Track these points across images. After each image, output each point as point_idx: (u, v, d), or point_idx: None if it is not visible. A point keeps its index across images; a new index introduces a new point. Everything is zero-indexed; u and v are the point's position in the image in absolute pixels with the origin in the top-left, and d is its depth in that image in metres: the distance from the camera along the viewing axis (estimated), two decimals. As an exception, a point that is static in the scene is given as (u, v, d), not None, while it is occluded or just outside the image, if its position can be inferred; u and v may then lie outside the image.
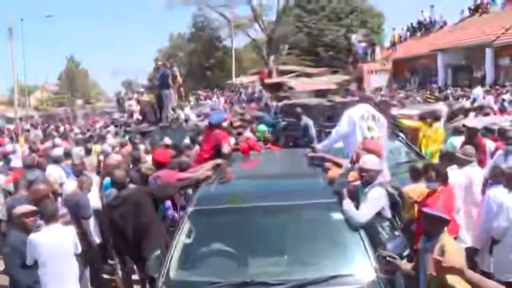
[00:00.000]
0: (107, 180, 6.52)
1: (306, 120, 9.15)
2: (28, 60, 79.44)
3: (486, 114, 10.69)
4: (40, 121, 25.75)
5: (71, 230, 4.80)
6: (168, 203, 5.75)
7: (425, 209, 3.57)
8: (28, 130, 18.41)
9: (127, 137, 11.15)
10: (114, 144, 9.82)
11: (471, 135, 7.07)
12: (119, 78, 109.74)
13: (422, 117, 8.57)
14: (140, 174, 6.25)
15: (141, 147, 9.28)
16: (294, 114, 9.58)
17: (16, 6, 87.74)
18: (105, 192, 6.23)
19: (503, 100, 14.09)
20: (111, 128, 15.10)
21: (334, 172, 4.60)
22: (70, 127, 19.45)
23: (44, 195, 5.48)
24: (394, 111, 11.94)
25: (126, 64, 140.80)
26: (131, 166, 7.37)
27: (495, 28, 23.21)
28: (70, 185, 6.58)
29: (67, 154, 8.78)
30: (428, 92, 19.93)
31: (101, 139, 11.30)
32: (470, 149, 5.89)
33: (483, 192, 5.47)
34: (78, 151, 9.27)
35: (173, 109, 13.36)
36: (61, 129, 19.18)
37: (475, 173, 5.58)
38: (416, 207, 5.43)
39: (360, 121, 5.82)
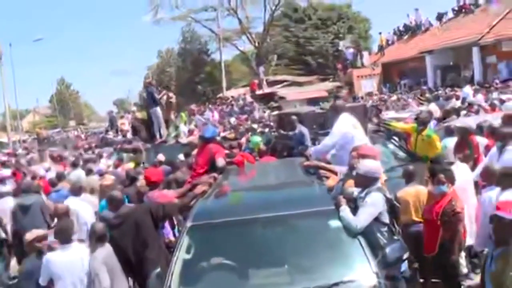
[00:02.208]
0: (102, 201, 6.52)
1: (300, 128, 9.15)
2: (19, 84, 79.31)
3: (472, 111, 10.79)
4: (33, 145, 25.59)
5: (86, 249, 4.82)
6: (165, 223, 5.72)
7: (500, 213, 3.19)
8: (16, 155, 18.13)
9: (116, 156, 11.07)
10: (109, 164, 9.78)
11: (463, 135, 7.12)
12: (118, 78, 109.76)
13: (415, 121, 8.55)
14: (136, 192, 6.22)
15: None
16: (288, 123, 9.55)
17: (3, 31, 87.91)
18: (101, 212, 6.19)
19: (493, 99, 14.21)
20: (104, 149, 14.95)
21: (333, 180, 4.61)
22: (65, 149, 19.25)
23: (64, 213, 5.66)
24: (385, 115, 12.07)
25: (118, 83, 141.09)
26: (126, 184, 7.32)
27: (480, 27, 23.51)
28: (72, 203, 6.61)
29: (60, 177, 8.74)
30: (420, 93, 20.07)
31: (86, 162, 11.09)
32: (449, 152, 5.93)
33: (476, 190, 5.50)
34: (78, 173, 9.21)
35: (177, 127, 13.31)
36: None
37: (461, 172, 5.59)
38: (413, 210, 5.47)
39: (353, 129, 5.98)
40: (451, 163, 5.62)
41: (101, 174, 8.64)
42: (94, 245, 4.74)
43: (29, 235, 4.95)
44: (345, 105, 6.70)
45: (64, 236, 4.72)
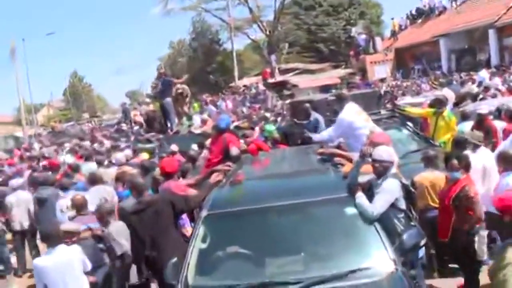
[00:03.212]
0: (126, 190, 6.58)
1: (316, 115, 9.03)
2: (32, 78, 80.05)
3: (489, 95, 10.60)
4: (48, 138, 25.89)
5: (76, 248, 4.74)
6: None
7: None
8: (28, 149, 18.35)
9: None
10: (127, 155, 9.81)
11: (480, 120, 7.01)
12: (122, 75, 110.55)
13: (431, 105, 8.44)
14: (153, 180, 6.24)
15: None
16: (302, 111, 9.40)
17: (16, 26, 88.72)
18: (123, 201, 6.25)
19: (511, 81, 13.96)
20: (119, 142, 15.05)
21: (348, 167, 4.57)
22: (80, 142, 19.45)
23: (81, 204, 5.78)
24: (401, 101, 11.92)
25: (130, 76, 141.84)
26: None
27: (496, 9, 23.01)
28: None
29: (75, 169, 8.82)
30: (433, 78, 19.80)
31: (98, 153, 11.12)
32: (478, 133, 5.85)
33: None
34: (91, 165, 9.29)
35: (190, 117, 13.33)
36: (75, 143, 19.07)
37: (488, 156, 5.51)
38: (429, 196, 5.41)
39: (357, 116, 6.00)
40: (477, 146, 5.53)
41: (120, 165, 8.69)
42: (106, 222, 5.27)
43: (65, 226, 4.99)
44: (349, 94, 6.74)
45: (51, 240, 4.65)
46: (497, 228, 3.03)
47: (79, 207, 5.81)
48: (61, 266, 4.48)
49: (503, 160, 5.14)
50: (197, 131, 11.96)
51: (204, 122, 13.18)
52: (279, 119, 13.70)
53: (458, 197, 4.72)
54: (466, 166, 4.89)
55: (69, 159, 11.65)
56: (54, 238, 4.64)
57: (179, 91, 13.14)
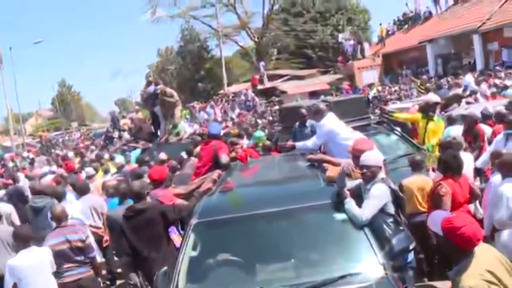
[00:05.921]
0: (112, 200, 6.54)
1: (312, 122, 8.99)
2: (20, 87, 79.33)
3: (472, 99, 10.74)
4: (37, 148, 25.63)
5: (47, 250, 4.96)
6: None
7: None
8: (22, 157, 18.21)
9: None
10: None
11: (470, 124, 7.09)
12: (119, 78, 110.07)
13: (422, 109, 8.44)
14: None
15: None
16: (297, 116, 9.35)
17: (3, 35, 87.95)
18: (111, 210, 6.22)
19: (495, 85, 14.13)
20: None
21: (332, 171, 4.60)
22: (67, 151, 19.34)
23: (62, 215, 5.55)
24: (388, 106, 12.02)
25: (119, 83, 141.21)
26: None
27: (479, 15, 23.38)
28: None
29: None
30: (419, 82, 19.93)
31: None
32: (459, 137, 5.95)
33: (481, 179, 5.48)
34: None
35: (174, 126, 13.21)
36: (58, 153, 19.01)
37: (466, 161, 5.59)
38: (417, 200, 5.48)
39: (338, 122, 6.31)
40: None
41: (89, 177, 8.67)
42: None
43: None
44: (326, 108, 6.86)
45: (24, 241, 4.88)
46: (448, 252, 2.86)
47: (59, 218, 5.54)
48: (34, 267, 4.73)
49: (493, 160, 5.23)
50: (186, 136, 11.94)
51: (195, 131, 13.17)
52: (268, 125, 13.73)
53: (433, 196, 4.85)
54: (443, 168, 5.00)
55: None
56: (25, 239, 4.88)
57: (157, 91, 12.94)
